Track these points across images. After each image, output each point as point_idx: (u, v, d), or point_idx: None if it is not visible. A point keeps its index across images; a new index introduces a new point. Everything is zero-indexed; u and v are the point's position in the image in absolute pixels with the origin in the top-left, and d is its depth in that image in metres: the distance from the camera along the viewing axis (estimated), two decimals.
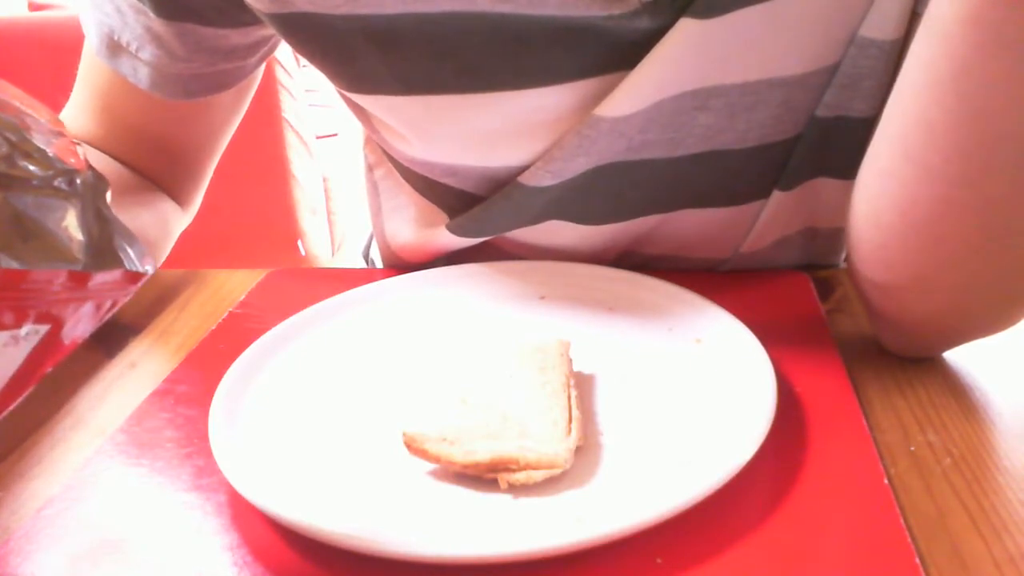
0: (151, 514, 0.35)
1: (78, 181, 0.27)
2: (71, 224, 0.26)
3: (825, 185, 0.50)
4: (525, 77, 0.44)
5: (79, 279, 0.26)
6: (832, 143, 0.48)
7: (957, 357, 0.43)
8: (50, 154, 0.27)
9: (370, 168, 0.62)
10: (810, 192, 0.51)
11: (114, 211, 0.29)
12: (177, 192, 0.63)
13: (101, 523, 0.34)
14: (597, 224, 0.51)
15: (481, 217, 0.51)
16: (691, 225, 0.52)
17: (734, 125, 0.47)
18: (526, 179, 0.47)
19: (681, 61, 0.43)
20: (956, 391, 0.40)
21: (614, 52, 0.43)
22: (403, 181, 0.58)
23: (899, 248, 0.38)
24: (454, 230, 0.52)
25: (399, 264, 0.61)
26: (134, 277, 0.28)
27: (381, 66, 0.45)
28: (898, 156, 0.37)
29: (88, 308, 0.27)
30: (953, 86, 0.33)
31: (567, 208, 0.50)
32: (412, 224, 0.58)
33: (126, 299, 0.28)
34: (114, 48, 0.53)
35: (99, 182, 0.28)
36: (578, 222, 0.51)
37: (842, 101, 0.46)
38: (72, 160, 0.27)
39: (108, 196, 0.28)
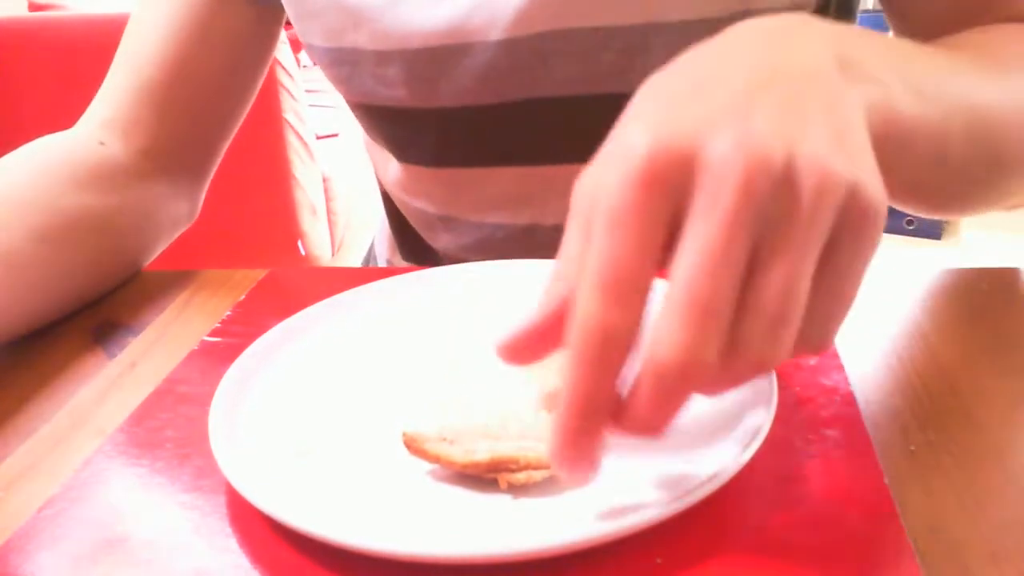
0: (151, 514, 0.35)
1: None
2: None
3: None
4: None
5: None
6: None
7: (957, 357, 0.43)
8: None
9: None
10: None
11: None
12: (184, 182, 0.63)
13: (101, 523, 0.34)
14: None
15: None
16: None
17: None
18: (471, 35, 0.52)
19: None
20: (956, 391, 0.40)
21: None
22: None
23: None
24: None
25: (411, 257, 0.62)
26: None
27: None
28: None
29: None
30: None
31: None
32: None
33: None
34: None
35: None
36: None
37: None
38: None
39: None
